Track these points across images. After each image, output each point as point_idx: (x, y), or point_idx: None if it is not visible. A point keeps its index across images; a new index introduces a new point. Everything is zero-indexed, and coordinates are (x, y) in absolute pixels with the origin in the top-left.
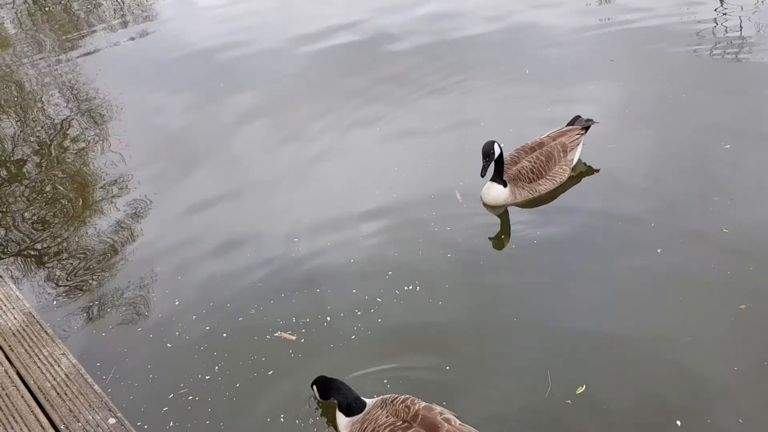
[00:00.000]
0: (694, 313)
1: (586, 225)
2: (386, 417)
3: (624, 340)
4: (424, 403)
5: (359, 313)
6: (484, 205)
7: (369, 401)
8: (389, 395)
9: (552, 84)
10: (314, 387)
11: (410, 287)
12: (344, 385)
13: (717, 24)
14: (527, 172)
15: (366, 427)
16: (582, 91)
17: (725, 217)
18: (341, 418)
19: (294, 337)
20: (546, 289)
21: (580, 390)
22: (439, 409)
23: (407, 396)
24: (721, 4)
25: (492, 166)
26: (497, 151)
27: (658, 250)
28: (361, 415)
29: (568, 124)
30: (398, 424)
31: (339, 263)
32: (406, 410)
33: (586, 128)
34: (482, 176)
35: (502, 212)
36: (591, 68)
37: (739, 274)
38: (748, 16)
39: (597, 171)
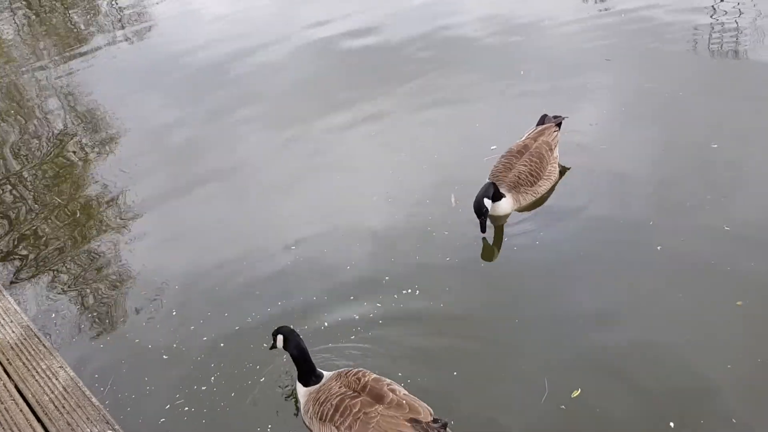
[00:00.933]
0: (691, 311)
1: (583, 226)
2: (338, 388)
3: (619, 341)
4: (374, 375)
5: (357, 317)
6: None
7: (326, 374)
8: (345, 368)
9: (548, 85)
10: (278, 336)
11: (409, 291)
12: (306, 351)
13: (714, 19)
14: (527, 176)
15: (320, 396)
16: (578, 92)
17: (725, 215)
18: (300, 388)
19: None
20: (545, 290)
21: (575, 394)
22: (387, 381)
23: (360, 369)
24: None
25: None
26: (489, 205)
27: (658, 248)
28: (318, 385)
29: (538, 124)
30: (348, 393)
31: (336, 269)
32: (357, 382)
33: (559, 124)
34: (483, 232)
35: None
36: (587, 68)
37: (738, 270)
38: (745, 11)
39: (569, 168)
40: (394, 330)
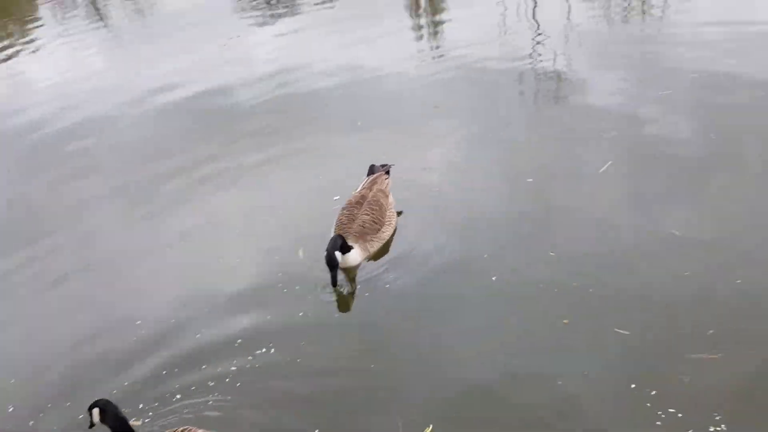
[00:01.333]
0: (523, 332)
1: (426, 265)
2: None
3: (465, 374)
4: (201, 431)
5: (212, 384)
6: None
7: None
8: (170, 428)
9: (385, 134)
10: (94, 410)
11: (264, 350)
12: (125, 421)
13: (536, 71)
14: (371, 224)
15: None
16: (412, 139)
17: (549, 242)
18: None
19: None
20: (397, 334)
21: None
22: None
23: (186, 426)
24: (536, 42)
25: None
26: (340, 257)
27: (493, 278)
28: None
29: (368, 174)
30: None
31: (184, 338)
32: None
33: (387, 172)
34: (334, 285)
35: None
36: (418, 117)
37: (564, 291)
38: (561, 51)
39: (402, 213)
40: (252, 392)
